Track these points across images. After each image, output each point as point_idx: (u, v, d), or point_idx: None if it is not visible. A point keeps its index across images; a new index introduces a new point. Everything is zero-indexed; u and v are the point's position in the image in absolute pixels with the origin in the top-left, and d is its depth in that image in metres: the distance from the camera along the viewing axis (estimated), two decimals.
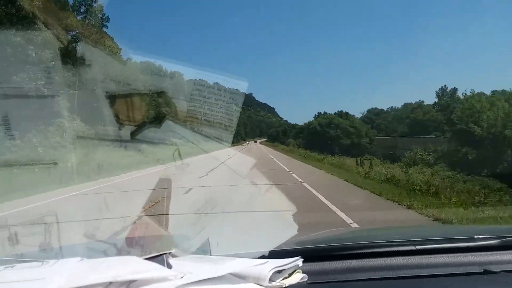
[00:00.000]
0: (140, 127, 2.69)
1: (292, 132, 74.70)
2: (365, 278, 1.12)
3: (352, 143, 54.70)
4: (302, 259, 1.02)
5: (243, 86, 1.70)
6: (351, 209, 6.87)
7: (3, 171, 10.90)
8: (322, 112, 68.99)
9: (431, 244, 1.30)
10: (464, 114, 30.99)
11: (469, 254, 1.23)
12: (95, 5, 22.41)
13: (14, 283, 0.80)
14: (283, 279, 0.93)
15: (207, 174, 11.47)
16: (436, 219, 6.18)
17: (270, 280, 0.88)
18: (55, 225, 1.48)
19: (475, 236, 1.34)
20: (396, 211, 7.33)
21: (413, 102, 70.05)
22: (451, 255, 1.23)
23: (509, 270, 1.13)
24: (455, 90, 65.23)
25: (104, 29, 22.83)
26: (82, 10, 22.50)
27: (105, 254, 1.17)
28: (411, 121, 58.01)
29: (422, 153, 33.69)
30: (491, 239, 1.30)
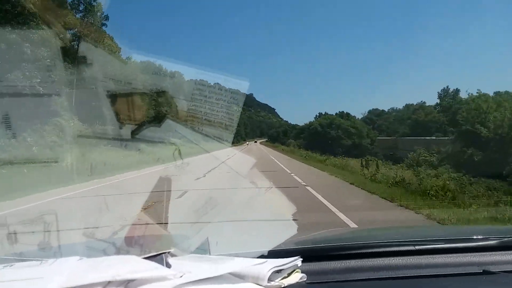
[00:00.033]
0: (139, 126, 2.69)
1: (293, 132, 74.52)
2: (364, 278, 1.12)
3: (353, 144, 54.46)
4: (301, 259, 1.02)
5: (244, 86, 1.70)
6: (364, 221, 5.95)
7: None
8: (323, 113, 68.75)
9: (430, 244, 1.30)
10: (469, 115, 30.35)
11: (468, 254, 1.23)
12: (94, 3, 22.18)
13: (13, 282, 0.80)
14: (282, 278, 0.94)
15: (204, 176, 10.94)
16: None
17: (269, 279, 0.88)
18: (54, 224, 1.48)
19: (474, 237, 1.34)
20: (419, 222, 6.48)
21: (415, 103, 70.02)
22: (450, 255, 1.23)
23: (508, 271, 1.13)
24: (457, 91, 65.11)
25: (104, 28, 22.64)
26: (81, 9, 22.29)
27: (104, 253, 1.17)
28: (412, 122, 57.77)
29: (425, 154, 33.03)
30: (490, 240, 1.30)
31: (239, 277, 0.87)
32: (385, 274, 1.14)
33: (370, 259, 1.19)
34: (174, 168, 2.53)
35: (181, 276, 0.80)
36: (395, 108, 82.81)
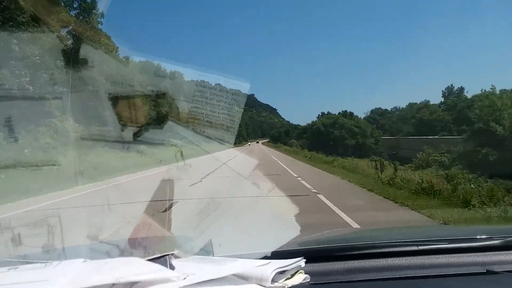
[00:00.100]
0: (139, 128, 2.69)
1: (295, 132, 74.28)
2: (368, 278, 1.12)
3: (357, 143, 54.08)
4: (305, 260, 1.02)
5: (245, 87, 1.70)
6: None
7: None
8: (326, 112, 68.25)
9: (433, 244, 1.29)
10: (483, 112, 28.87)
11: (472, 254, 1.23)
12: (88, 0, 21.41)
13: (18, 284, 0.80)
14: (286, 279, 0.94)
15: (201, 181, 9.72)
16: None
17: (273, 280, 0.88)
18: (59, 227, 1.48)
19: (478, 237, 1.34)
20: None
21: (418, 102, 69.71)
22: (453, 255, 1.23)
23: None
24: (461, 89, 64.71)
25: (100, 26, 21.83)
26: (75, 6, 21.61)
27: (108, 255, 1.18)
28: (417, 121, 57.35)
29: (436, 154, 31.41)
30: (493, 240, 1.29)
31: (242, 278, 0.87)
32: (389, 274, 1.14)
33: (373, 260, 1.19)
34: (176, 169, 2.53)
35: (184, 278, 0.80)
36: (398, 107, 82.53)
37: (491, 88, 30.61)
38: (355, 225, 5.93)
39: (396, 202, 8.25)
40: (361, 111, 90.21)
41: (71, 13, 20.86)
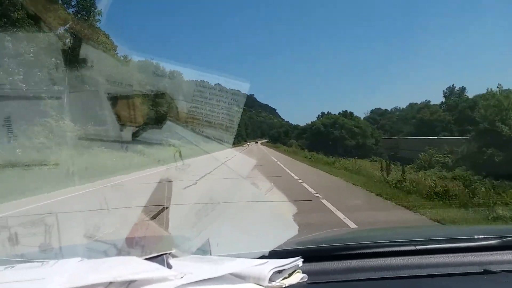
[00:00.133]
0: (137, 127, 2.68)
1: (294, 133, 73.99)
2: (365, 278, 1.12)
3: (357, 144, 53.61)
4: (302, 259, 1.02)
5: (244, 87, 1.70)
6: None
7: None
8: (326, 112, 67.66)
9: (431, 244, 1.30)
10: (488, 112, 27.72)
11: (469, 254, 1.23)
12: None
13: (14, 283, 0.80)
14: (283, 279, 0.94)
15: (195, 183, 9.02)
16: None
17: (270, 280, 0.88)
18: (55, 226, 1.48)
19: (475, 236, 1.34)
20: None
21: (419, 102, 69.55)
22: (451, 255, 1.23)
23: (509, 270, 1.14)
24: (463, 89, 64.44)
25: (98, 24, 21.20)
26: (73, 3, 21.09)
27: (105, 254, 1.17)
28: (417, 121, 56.92)
29: (439, 155, 30.33)
30: (491, 239, 1.30)
31: (240, 277, 0.87)
32: (386, 274, 1.14)
33: (371, 259, 1.20)
34: (174, 169, 2.52)
35: (182, 277, 0.80)
36: (398, 107, 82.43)
37: (497, 87, 29.48)
38: None
39: (410, 209, 7.33)
40: (361, 111, 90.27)
41: (69, 10, 20.36)
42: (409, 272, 1.14)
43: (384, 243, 1.30)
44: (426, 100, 68.21)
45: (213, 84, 1.70)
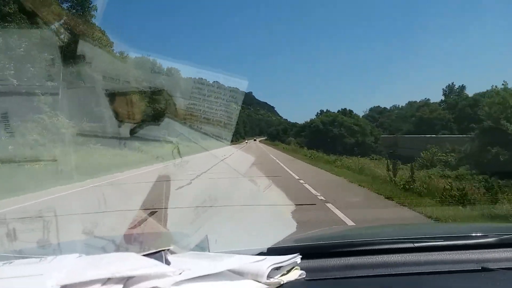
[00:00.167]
0: (133, 124, 2.67)
1: (293, 130, 73.86)
2: (363, 275, 1.12)
3: (357, 142, 53.34)
4: (300, 256, 1.02)
5: (243, 85, 1.70)
6: None
7: None
8: (325, 110, 67.38)
9: (429, 241, 1.30)
10: (492, 110, 26.87)
11: (467, 251, 1.24)
12: None
13: (13, 279, 0.80)
14: (281, 275, 0.94)
15: (190, 183, 8.27)
16: None
17: (268, 276, 0.88)
18: (54, 222, 1.48)
19: (473, 234, 1.35)
20: None
21: (418, 101, 69.47)
22: (449, 252, 1.23)
23: (507, 268, 1.14)
24: (462, 87, 64.37)
25: (94, 20, 20.77)
26: None
27: (104, 250, 1.17)
28: (417, 119, 56.89)
29: (442, 154, 29.48)
30: (488, 237, 1.30)
31: (238, 274, 0.87)
32: (384, 271, 1.14)
33: (369, 256, 1.20)
34: (173, 166, 2.52)
35: (180, 273, 0.80)
36: (397, 105, 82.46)
37: (502, 84, 28.46)
38: None
39: (429, 217, 6.37)
40: (360, 110, 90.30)
41: (63, 5, 19.95)
42: (407, 269, 1.15)
43: (382, 241, 1.30)
44: (425, 98, 68.34)
45: (211, 81, 1.70)
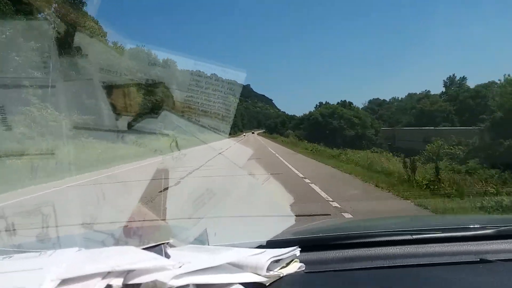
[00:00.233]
0: (128, 117, 2.64)
1: (291, 123, 73.53)
2: (362, 267, 1.13)
3: (357, 134, 52.74)
4: (300, 249, 1.03)
5: (241, 77, 1.69)
6: None
7: None
8: (324, 102, 66.49)
9: (427, 233, 1.31)
10: (504, 100, 25.68)
11: (465, 243, 1.25)
12: None
13: (12, 273, 0.80)
14: (281, 268, 0.94)
15: (188, 176, 7.93)
16: None
17: (268, 269, 0.88)
18: (53, 216, 1.48)
19: (471, 226, 1.35)
20: None
21: (418, 92, 68.95)
22: (447, 244, 1.24)
23: (505, 259, 1.15)
24: (464, 79, 63.55)
25: (86, 9, 19.89)
26: None
27: (103, 244, 1.18)
28: (417, 111, 56.41)
29: (450, 147, 28.04)
30: (487, 229, 1.31)
31: (238, 267, 0.87)
32: (383, 263, 1.15)
33: (367, 249, 1.20)
34: (171, 159, 2.51)
35: (180, 266, 0.80)
36: (396, 97, 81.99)
37: (504, 75, 28.03)
38: None
39: None
40: (358, 102, 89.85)
41: None
42: (406, 261, 1.15)
43: (381, 233, 1.31)
44: (425, 90, 67.58)
45: (209, 74, 1.69)
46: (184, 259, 0.84)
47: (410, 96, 72.02)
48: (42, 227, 1.42)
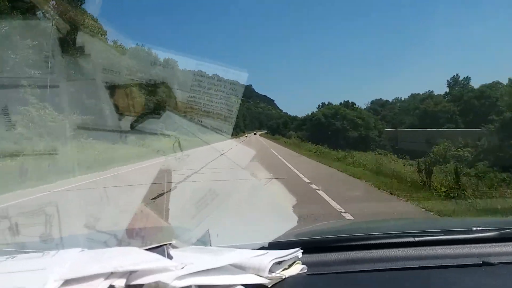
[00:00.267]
0: (130, 117, 2.64)
1: (293, 124, 73.18)
2: (364, 269, 1.12)
3: (360, 135, 52.28)
4: (302, 251, 1.03)
5: (243, 77, 1.69)
6: None
7: None
8: (327, 103, 65.93)
9: (429, 236, 1.30)
10: None
11: (468, 246, 1.24)
12: None
13: (15, 273, 0.80)
14: (283, 270, 0.94)
15: (191, 177, 7.46)
16: None
17: (270, 271, 0.89)
18: (56, 216, 1.48)
19: (474, 228, 1.35)
20: None
21: (421, 93, 68.37)
22: (449, 246, 1.23)
23: (508, 262, 1.14)
24: (468, 79, 62.96)
25: (84, 7, 19.88)
26: None
27: (106, 245, 1.18)
28: (421, 112, 55.85)
29: (457, 149, 27.00)
30: (489, 231, 1.30)
31: (240, 268, 0.87)
32: (385, 265, 1.15)
33: (370, 251, 1.20)
34: (174, 160, 2.51)
35: (182, 268, 0.80)
36: (399, 98, 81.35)
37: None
38: None
39: None
40: (361, 102, 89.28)
41: None
42: (408, 264, 1.15)
43: (383, 235, 1.31)
44: (429, 90, 66.97)
45: (210, 74, 1.69)
46: (187, 260, 0.85)
47: (413, 96, 71.56)
48: (45, 228, 1.42)
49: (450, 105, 54.57)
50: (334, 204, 6.90)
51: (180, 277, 0.78)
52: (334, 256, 1.18)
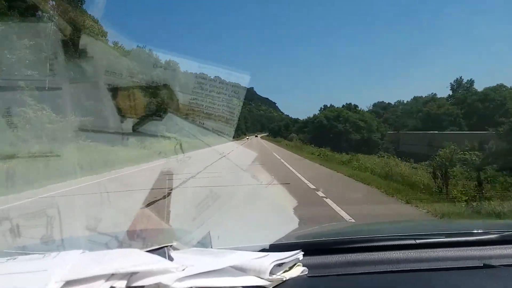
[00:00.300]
0: (130, 119, 2.64)
1: (295, 126, 72.94)
2: (365, 271, 1.12)
3: (362, 138, 51.77)
4: (303, 253, 1.03)
5: (244, 80, 1.69)
6: None
7: None
8: (329, 105, 65.34)
9: (431, 238, 1.30)
10: None
11: (469, 248, 1.24)
12: None
13: (16, 274, 0.80)
14: (284, 272, 0.94)
15: (192, 179, 7.26)
16: None
17: (271, 273, 0.89)
18: (57, 218, 1.48)
19: (475, 231, 1.35)
20: None
21: (424, 96, 67.97)
22: (451, 249, 1.23)
23: (509, 264, 1.14)
24: (471, 82, 62.23)
25: (85, 7, 18.78)
26: None
27: (107, 246, 1.18)
28: (423, 115, 55.26)
29: (464, 152, 26.21)
30: (490, 234, 1.30)
31: (241, 270, 0.87)
32: (386, 267, 1.15)
33: (371, 253, 1.20)
34: (176, 162, 2.51)
35: (183, 269, 0.80)
36: (401, 101, 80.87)
37: None
38: None
39: None
40: (363, 105, 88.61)
41: None
42: (409, 266, 1.15)
43: (384, 237, 1.30)
44: (432, 93, 66.53)
45: (212, 77, 1.69)
46: (187, 262, 0.85)
47: (416, 99, 71.22)
48: (46, 229, 1.42)
49: (453, 108, 53.94)
50: (345, 215, 6.26)
51: (181, 279, 0.78)
52: (335, 258, 1.18)
